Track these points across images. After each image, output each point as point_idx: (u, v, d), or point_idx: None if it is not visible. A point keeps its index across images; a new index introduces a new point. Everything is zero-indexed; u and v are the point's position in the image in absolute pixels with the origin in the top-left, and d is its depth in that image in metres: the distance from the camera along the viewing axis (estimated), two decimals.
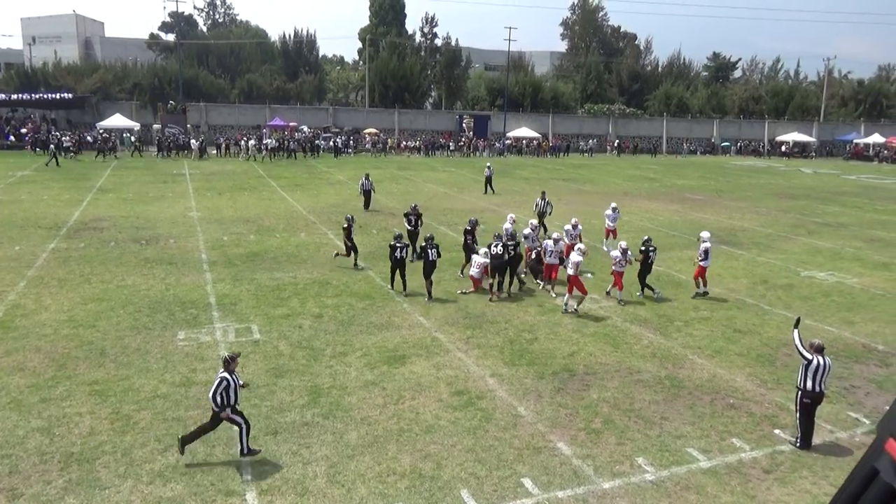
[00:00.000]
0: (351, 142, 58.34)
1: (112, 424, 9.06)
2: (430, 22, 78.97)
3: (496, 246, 15.47)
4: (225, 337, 12.50)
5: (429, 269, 15.08)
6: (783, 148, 72.01)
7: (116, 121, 54.81)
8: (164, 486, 7.68)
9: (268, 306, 14.36)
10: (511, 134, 66.44)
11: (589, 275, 17.05)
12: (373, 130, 62.26)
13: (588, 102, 77.77)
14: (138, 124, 56.06)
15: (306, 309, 14.25)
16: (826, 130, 75.17)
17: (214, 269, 17.42)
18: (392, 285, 15.81)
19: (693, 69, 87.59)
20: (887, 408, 1.50)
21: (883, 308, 15.73)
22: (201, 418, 9.25)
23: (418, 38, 79.28)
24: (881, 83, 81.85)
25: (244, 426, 8.27)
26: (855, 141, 71.87)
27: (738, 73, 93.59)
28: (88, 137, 50.87)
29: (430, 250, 15.10)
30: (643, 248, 15.91)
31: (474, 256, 16.29)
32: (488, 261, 15.44)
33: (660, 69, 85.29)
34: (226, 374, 8.12)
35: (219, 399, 8.09)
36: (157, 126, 55.90)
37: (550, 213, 23.64)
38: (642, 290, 15.87)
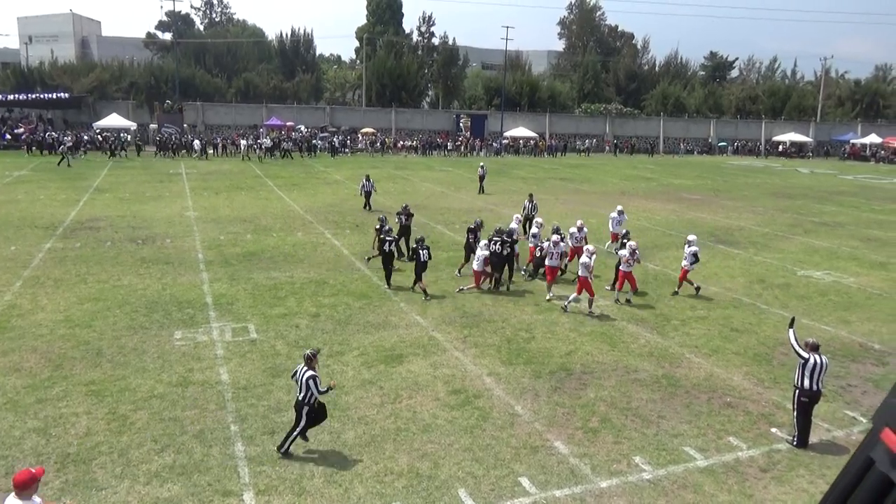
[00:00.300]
0: (348, 141, 58.32)
1: (108, 425, 9.04)
2: (428, 21, 79.07)
3: (495, 243, 15.62)
4: (222, 336, 12.47)
5: (420, 269, 15.24)
6: (780, 148, 72.13)
7: (113, 120, 54.71)
8: (160, 487, 7.66)
9: (265, 306, 14.34)
10: (508, 133, 66.45)
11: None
12: (369, 130, 62.23)
13: (585, 102, 77.87)
14: (135, 124, 55.97)
15: (303, 308, 14.23)
16: (823, 130, 75.28)
17: (211, 268, 17.39)
18: (388, 283, 15.91)
19: (690, 69, 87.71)
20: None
21: (879, 307, 15.77)
22: (198, 418, 9.25)
23: (415, 37, 79.36)
24: (878, 83, 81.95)
25: (305, 426, 8.35)
26: (852, 141, 71.99)
27: (735, 73, 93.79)
28: (85, 137, 50.75)
29: (421, 251, 15.25)
30: (623, 241, 16.52)
31: (477, 251, 16.31)
32: (488, 252, 15.53)
33: (657, 69, 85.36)
34: (312, 372, 8.25)
35: (322, 388, 8.24)
36: (153, 126, 55.81)
37: (535, 215, 23.63)
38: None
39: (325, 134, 58.93)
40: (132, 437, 8.74)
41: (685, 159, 64.83)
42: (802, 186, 42.17)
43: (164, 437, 8.73)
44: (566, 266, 17.54)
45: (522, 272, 17.57)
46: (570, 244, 17.47)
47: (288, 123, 59.19)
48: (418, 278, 15.29)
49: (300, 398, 8.26)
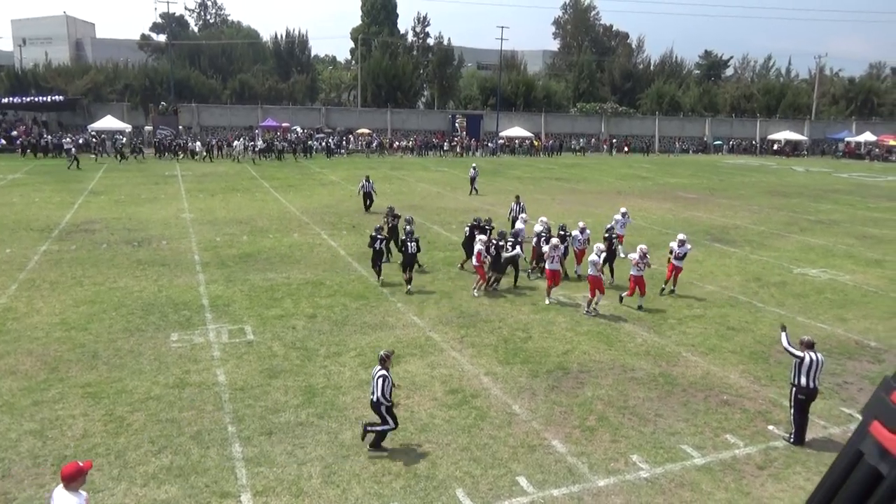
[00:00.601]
0: (343, 142, 58.27)
1: (105, 426, 9.02)
2: (423, 21, 78.95)
3: (495, 247, 15.71)
4: (218, 338, 12.46)
5: (408, 260, 15.78)
6: (775, 146, 72.29)
7: (108, 122, 54.48)
8: (158, 489, 7.65)
9: (261, 307, 14.32)
10: (504, 133, 66.44)
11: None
12: (365, 131, 62.18)
13: (580, 101, 77.88)
14: (130, 126, 55.80)
15: (300, 309, 14.22)
16: (818, 129, 75.45)
17: (207, 270, 17.36)
18: (378, 279, 16.22)
19: (685, 68, 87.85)
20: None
21: (875, 305, 15.82)
22: (195, 419, 9.23)
23: (410, 37, 79.24)
24: (872, 81, 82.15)
25: (393, 427, 8.43)
26: (847, 139, 72.19)
27: (729, 72, 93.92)
28: (80, 140, 50.58)
29: (409, 244, 15.78)
30: (606, 236, 16.97)
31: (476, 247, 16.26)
32: (482, 247, 15.57)
33: (652, 68, 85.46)
34: (384, 371, 8.30)
35: (388, 394, 8.27)
36: (148, 128, 55.64)
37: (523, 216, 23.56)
38: (612, 275, 16.85)
39: (321, 135, 58.86)
40: (129, 438, 8.72)
41: (681, 158, 64.93)
42: (798, 185, 42.28)
43: (161, 438, 8.72)
44: (576, 271, 17.53)
45: (527, 274, 17.53)
46: (572, 247, 17.39)
47: (284, 124, 59.10)
48: (404, 269, 15.77)
49: (372, 399, 8.41)
